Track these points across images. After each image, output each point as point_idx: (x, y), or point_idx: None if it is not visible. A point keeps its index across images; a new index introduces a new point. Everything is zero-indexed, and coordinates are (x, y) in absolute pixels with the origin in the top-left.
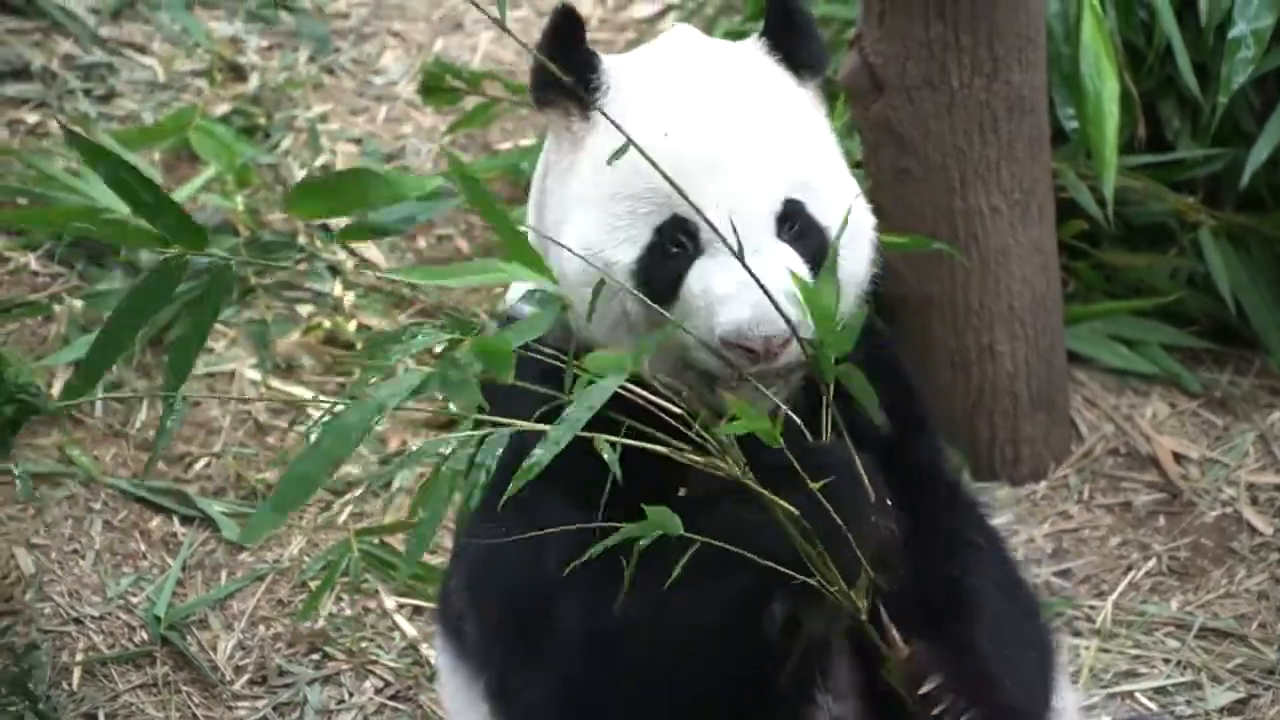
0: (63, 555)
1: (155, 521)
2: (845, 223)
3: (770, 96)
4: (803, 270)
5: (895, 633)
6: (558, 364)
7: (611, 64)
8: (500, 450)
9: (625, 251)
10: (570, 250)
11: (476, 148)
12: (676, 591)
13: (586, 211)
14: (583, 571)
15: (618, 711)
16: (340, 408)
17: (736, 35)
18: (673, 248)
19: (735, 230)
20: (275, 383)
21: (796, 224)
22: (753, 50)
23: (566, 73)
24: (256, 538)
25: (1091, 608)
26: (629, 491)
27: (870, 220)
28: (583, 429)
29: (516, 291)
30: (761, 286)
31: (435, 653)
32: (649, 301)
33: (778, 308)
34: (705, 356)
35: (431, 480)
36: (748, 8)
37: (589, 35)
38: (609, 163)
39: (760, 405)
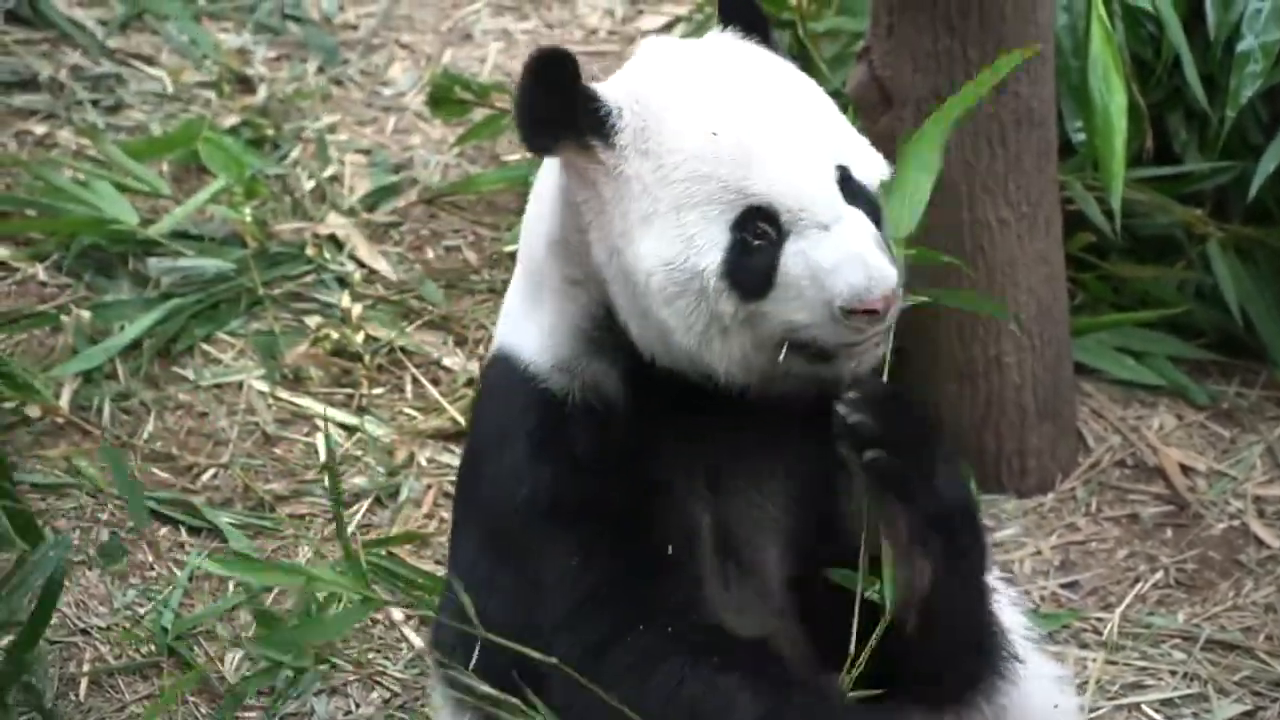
0: (70, 566)
1: (162, 532)
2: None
3: (781, 72)
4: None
5: None
6: (556, 398)
7: (606, 89)
8: (493, 480)
9: (708, 256)
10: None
11: (485, 159)
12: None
13: (653, 230)
14: (580, 627)
15: None
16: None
17: None
18: (754, 240)
19: (816, 198)
20: (283, 394)
21: (850, 186)
22: (732, 39)
23: (572, 111)
24: None
25: (1098, 619)
26: (637, 528)
27: (887, 169)
28: (604, 453)
29: (507, 326)
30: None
31: (431, 680)
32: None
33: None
34: (821, 332)
35: None
36: None
37: (598, 47)
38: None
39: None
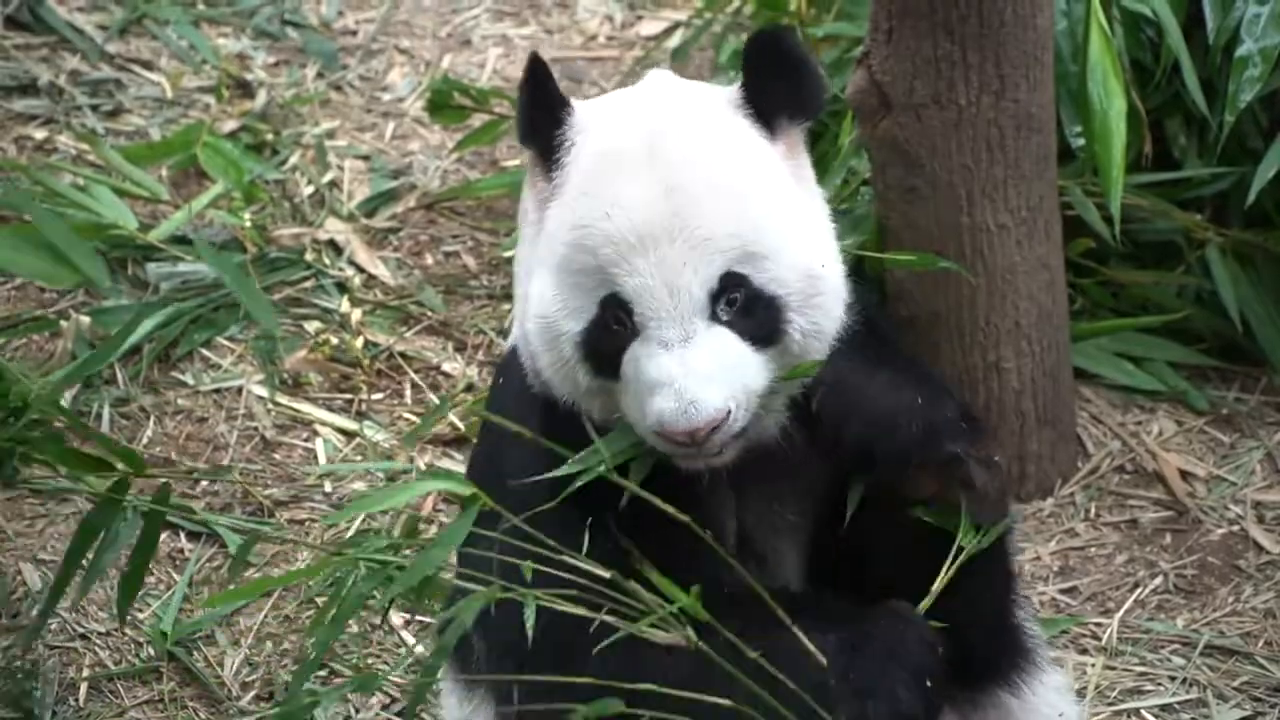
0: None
1: (162, 537)
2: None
3: (723, 163)
4: (739, 350)
5: None
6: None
7: (581, 115)
8: (516, 473)
9: (573, 322)
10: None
11: (484, 164)
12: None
13: (544, 276)
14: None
15: None
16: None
17: None
18: (614, 325)
19: (667, 313)
20: (282, 399)
21: (739, 298)
22: (722, 103)
23: (540, 121)
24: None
25: (1098, 625)
26: (642, 531)
27: (839, 277)
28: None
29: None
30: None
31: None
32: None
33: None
34: (647, 437)
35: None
36: (755, 26)
37: (597, 53)
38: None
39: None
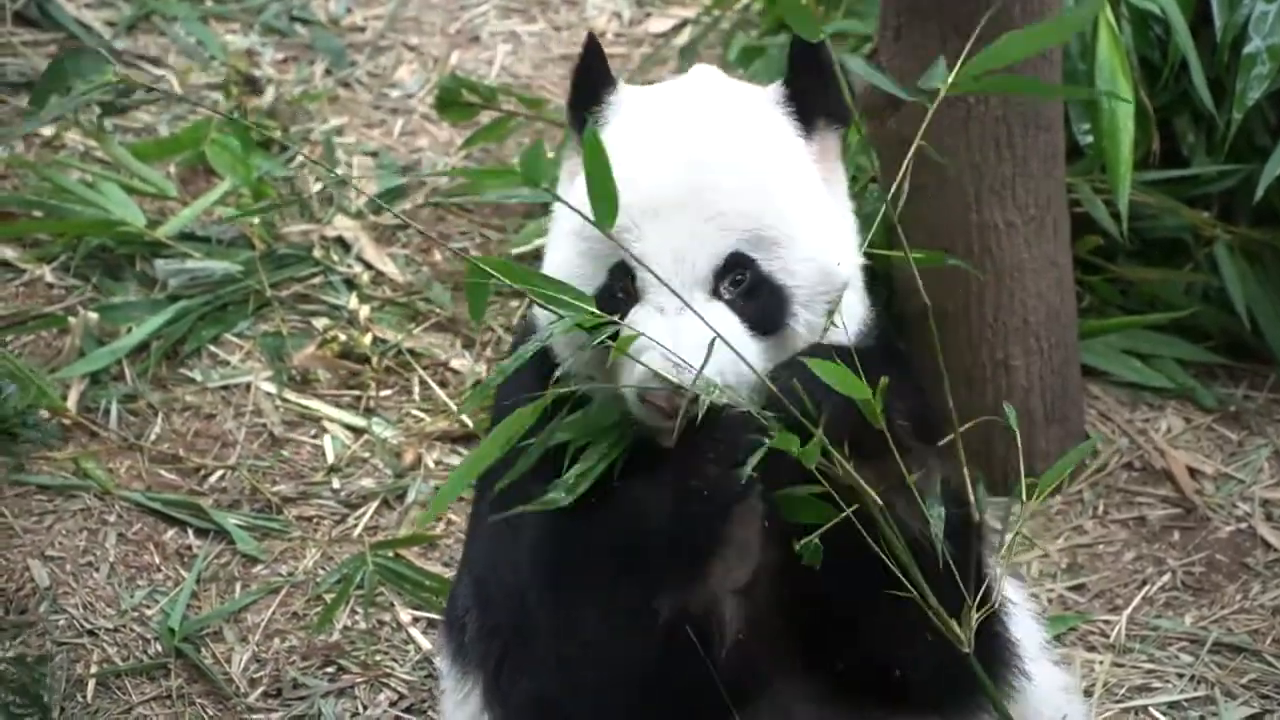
0: (77, 568)
1: (170, 534)
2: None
3: (748, 147)
4: (735, 331)
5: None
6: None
7: (625, 96)
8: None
9: (583, 289)
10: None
11: (492, 161)
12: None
13: (561, 244)
14: (558, 577)
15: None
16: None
17: (754, 50)
18: (619, 293)
19: (667, 280)
20: (290, 396)
21: (744, 280)
22: (761, 98)
23: (585, 98)
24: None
25: (1105, 622)
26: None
27: (856, 283)
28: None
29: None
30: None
31: (436, 654)
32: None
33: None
34: (631, 405)
35: None
36: (764, 23)
37: (606, 50)
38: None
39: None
